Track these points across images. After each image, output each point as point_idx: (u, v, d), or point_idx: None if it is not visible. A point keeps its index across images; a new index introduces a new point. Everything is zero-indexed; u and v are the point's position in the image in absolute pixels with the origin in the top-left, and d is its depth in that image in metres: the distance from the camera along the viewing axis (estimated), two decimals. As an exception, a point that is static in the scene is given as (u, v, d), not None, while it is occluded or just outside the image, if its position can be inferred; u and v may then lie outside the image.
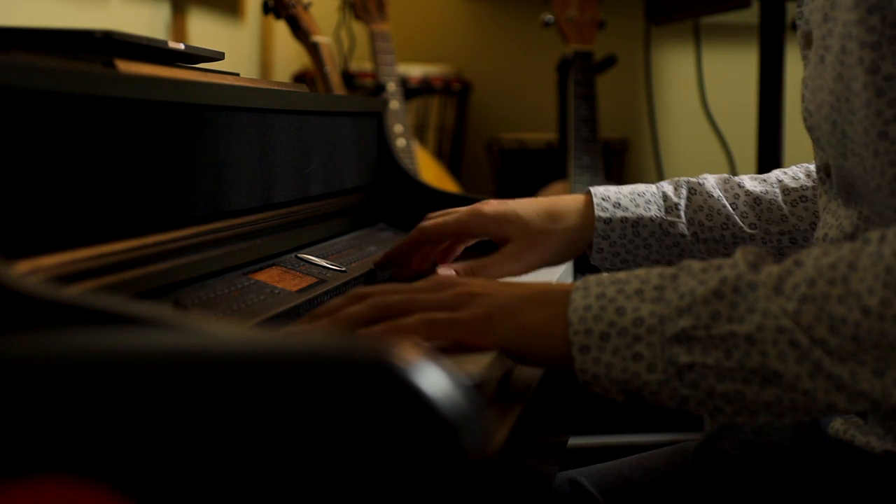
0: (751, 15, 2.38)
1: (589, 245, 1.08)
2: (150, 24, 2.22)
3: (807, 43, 0.89)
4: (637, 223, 1.07)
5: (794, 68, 2.35)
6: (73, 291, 0.60)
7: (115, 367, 0.48)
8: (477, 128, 3.30)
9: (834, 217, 0.88)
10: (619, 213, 1.06)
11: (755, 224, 1.07)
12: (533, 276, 1.14)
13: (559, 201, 1.08)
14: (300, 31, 2.24)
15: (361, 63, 2.93)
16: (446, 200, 1.36)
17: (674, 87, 3.35)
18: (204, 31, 2.49)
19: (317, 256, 1.05)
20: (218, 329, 0.60)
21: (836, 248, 0.70)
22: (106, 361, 0.49)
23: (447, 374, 0.48)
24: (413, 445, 0.46)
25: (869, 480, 0.88)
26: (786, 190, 1.08)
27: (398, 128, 2.52)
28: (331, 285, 0.97)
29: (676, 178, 1.11)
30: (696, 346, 0.69)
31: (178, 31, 2.32)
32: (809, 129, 0.89)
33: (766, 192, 1.08)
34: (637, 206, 1.07)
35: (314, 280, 0.97)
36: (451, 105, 3.10)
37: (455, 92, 3.08)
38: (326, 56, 2.22)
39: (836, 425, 0.91)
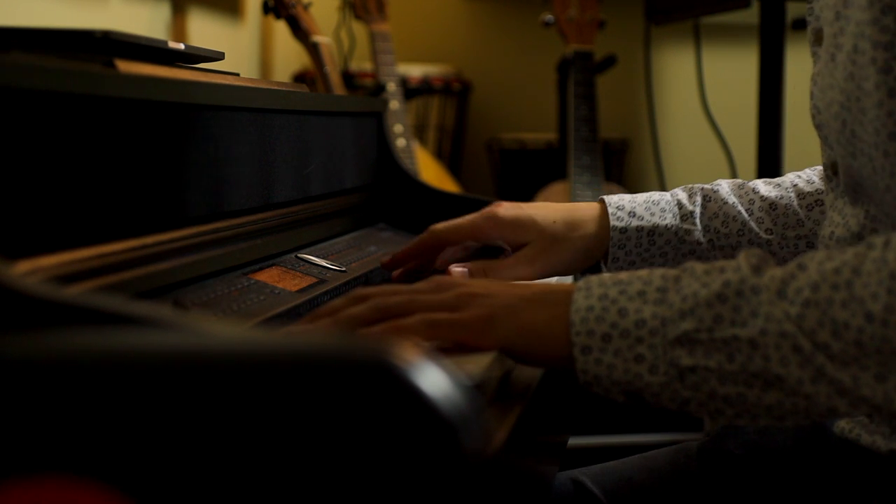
0: (751, 15, 2.38)
1: (603, 254, 1.07)
2: (150, 24, 2.22)
3: (817, 39, 0.89)
4: (653, 232, 1.06)
5: (794, 68, 2.36)
6: (73, 291, 0.60)
7: (115, 367, 0.48)
8: (477, 128, 3.30)
9: (840, 215, 0.88)
10: (635, 223, 1.06)
11: (771, 229, 1.06)
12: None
13: (575, 209, 1.07)
14: (300, 31, 2.24)
15: (361, 63, 2.93)
16: (446, 200, 1.36)
17: (674, 87, 3.35)
18: (204, 31, 2.49)
19: (317, 256, 1.05)
20: (218, 329, 0.60)
21: (840, 252, 0.70)
22: (106, 361, 0.49)
23: (447, 374, 0.48)
24: (413, 445, 0.46)
25: (874, 480, 0.88)
26: (801, 194, 1.08)
27: (398, 128, 2.52)
28: (331, 285, 0.97)
29: (690, 186, 1.09)
30: (699, 348, 0.69)
31: (178, 31, 2.32)
32: (817, 127, 0.89)
33: (782, 196, 1.07)
34: (652, 214, 1.06)
35: (314, 280, 0.97)
36: (451, 105, 3.10)
37: (455, 92, 3.08)
38: (326, 56, 2.22)
39: (842, 424, 0.91)
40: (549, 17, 2.73)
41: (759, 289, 0.69)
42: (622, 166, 3.09)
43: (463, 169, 3.22)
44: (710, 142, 3.09)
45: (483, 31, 3.38)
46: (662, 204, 1.07)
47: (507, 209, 1.06)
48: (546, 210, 1.06)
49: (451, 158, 3.12)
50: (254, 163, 0.99)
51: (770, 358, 0.67)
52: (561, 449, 0.96)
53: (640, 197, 1.08)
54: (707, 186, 1.08)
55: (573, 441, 2.11)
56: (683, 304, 0.70)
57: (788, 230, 1.06)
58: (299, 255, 1.04)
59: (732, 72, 3.20)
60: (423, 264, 1.10)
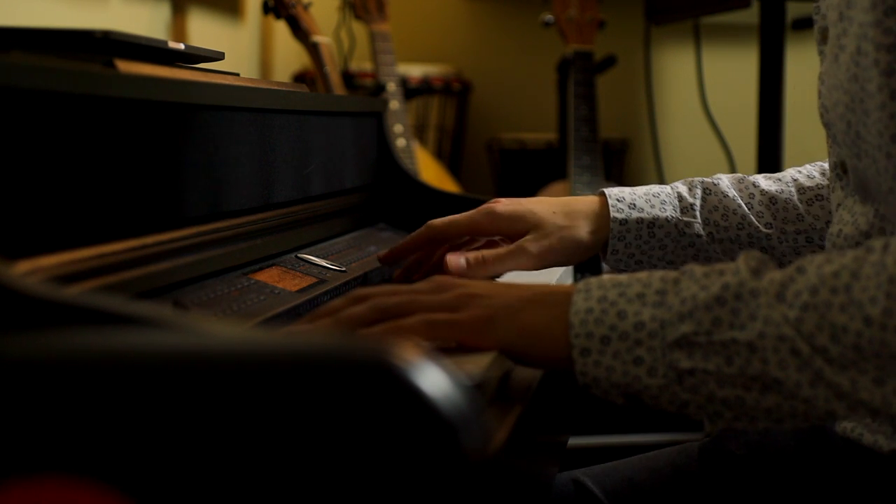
0: (751, 15, 2.38)
1: (603, 246, 1.07)
2: (150, 24, 2.22)
3: (823, 38, 0.89)
4: (653, 224, 1.05)
5: (795, 68, 2.36)
6: (73, 291, 0.60)
7: (115, 367, 0.48)
8: (477, 128, 3.30)
9: (850, 213, 0.88)
10: (635, 214, 1.05)
11: (771, 224, 1.06)
12: (535, 275, 1.13)
13: (574, 202, 1.07)
14: (300, 31, 2.24)
15: (361, 63, 2.93)
16: (446, 200, 1.36)
17: (674, 87, 3.35)
18: (204, 31, 2.49)
19: (317, 256, 1.05)
20: (218, 329, 0.60)
21: (839, 255, 0.70)
22: (106, 361, 0.49)
23: (447, 374, 0.48)
24: (413, 445, 0.46)
25: (876, 480, 0.88)
26: (801, 189, 1.07)
27: (398, 128, 2.52)
28: (331, 285, 0.97)
29: (690, 179, 1.09)
30: (697, 351, 0.69)
31: (178, 31, 2.32)
32: (826, 126, 0.89)
33: (782, 191, 1.07)
34: (652, 206, 1.06)
35: (314, 280, 0.97)
36: (451, 105, 3.10)
37: (455, 92, 3.08)
38: (326, 56, 2.22)
39: (844, 424, 0.91)
40: (548, 17, 2.73)
41: (758, 292, 0.69)
42: (622, 166, 3.09)
43: (463, 169, 3.22)
44: (710, 142, 3.09)
45: (483, 31, 3.38)
46: (663, 196, 1.07)
47: (505, 205, 1.05)
48: (545, 203, 1.06)
49: (451, 158, 3.12)
50: (254, 163, 0.99)
51: (768, 361, 0.67)
52: (561, 449, 0.96)
53: (641, 189, 1.08)
54: (707, 180, 1.08)
55: (573, 441, 2.11)
56: (682, 306, 0.70)
57: (788, 225, 1.06)
58: (299, 255, 1.04)
59: (732, 72, 3.20)
60: (422, 260, 1.09)
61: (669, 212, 1.06)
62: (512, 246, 1.04)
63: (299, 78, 2.91)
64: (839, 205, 0.90)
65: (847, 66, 0.80)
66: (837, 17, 0.83)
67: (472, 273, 1.01)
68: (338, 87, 2.21)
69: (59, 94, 0.67)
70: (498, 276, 1.13)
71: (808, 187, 1.07)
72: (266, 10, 2.24)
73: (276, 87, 1.12)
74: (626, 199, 1.06)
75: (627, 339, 0.70)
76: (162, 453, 0.47)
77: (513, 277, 1.12)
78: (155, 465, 0.47)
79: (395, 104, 2.53)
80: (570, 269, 1.32)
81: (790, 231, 1.06)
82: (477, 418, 0.47)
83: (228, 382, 0.47)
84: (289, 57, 3.05)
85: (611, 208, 1.05)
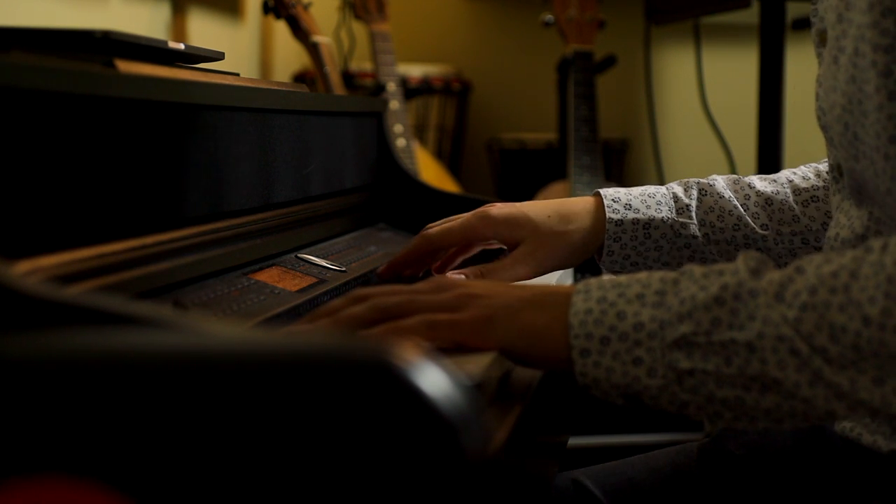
0: (751, 15, 2.38)
1: (599, 248, 1.07)
2: (150, 24, 2.22)
3: (821, 41, 0.89)
4: (648, 225, 1.05)
5: (795, 68, 2.36)
6: (73, 291, 0.60)
7: (115, 367, 0.48)
8: (477, 128, 3.30)
9: (846, 217, 0.88)
10: (631, 215, 1.05)
11: (767, 225, 1.06)
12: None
13: (569, 203, 1.06)
14: (300, 31, 2.24)
15: (361, 63, 2.93)
16: (446, 200, 1.36)
17: (674, 87, 3.35)
18: (204, 31, 2.49)
19: (317, 256, 1.05)
20: (218, 329, 0.60)
21: (838, 255, 0.70)
22: (106, 361, 0.49)
23: (447, 374, 0.48)
24: (413, 445, 0.46)
25: (875, 480, 0.88)
26: (796, 190, 1.07)
27: (398, 128, 2.52)
28: (331, 285, 0.97)
29: (686, 180, 1.09)
30: (697, 351, 0.69)
31: (178, 31, 2.32)
32: (823, 128, 0.88)
33: (777, 192, 1.07)
34: (648, 207, 1.05)
35: (314, 280, 0.97)
36: (451, 105, 3.10)
37: (455, 92, 3.08)
38: (326, 56, 2.22)
39: (843, 423, 0.91)
40: (549, 17, 2.73)
41: (757, 292, 0.69)
42: (622, 166, 3.09)
43: (463, 169, 3.22)
44: (710, 142, 3.09)
45: (483, 31, 3.38)
46: (658, 197, 1.06)
47: (499, 208, 1.05)
48: (539, 206, 1.05)
49: (451, 158, 3.12)
50: (254, 163, 0.99)
51: (767, 361, 0.67)
52: (561, 449, 0.96)
53: (636, 190, 1.07)
54: (703, 181, 1.08)
55: (573, 441, 2.11)
56: (681, 307, 0.70)
57: (784, 226, 1.06)
58: (299, 255, 1.04)
59: (732, 72, 3.20)
60: (420, 268, 1.09)
61: (665, 212, 1.05)
62: (508, 259, 1.03)
63: (299, 78, 2.91)
64: (836, 208, 0.90)
65: (845, 67, 0.80)
66: (836, 18, 0.83)
67: None
68: (338, 87, 2.21)
69: (59, 94, 0.67)
70: None
71: (804, 188, 1.07)
72: (266, 10, 2.24)
73: (276, 87, 1.12)
74: (622, 199, 1.06)
75: (627, 339, 0.70)
76: (162, 453, 0.47)
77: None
78: (155, 466, 0.47)
79: (395, 104, 2.53)
80: (569, 269, 1.32)
81: (786, 232, 1.06)
82: (477, 418, 0.47)
83: (228, 383, 0.47)
84: (289, 57, 3.05)
85: (606, 209, 1.05)
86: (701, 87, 3.06)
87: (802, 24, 2.55)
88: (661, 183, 3.19)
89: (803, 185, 1.07)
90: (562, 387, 0.85)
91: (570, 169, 2.57)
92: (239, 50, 2.79)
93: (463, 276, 1.01)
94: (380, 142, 1.39)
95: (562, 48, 2.76)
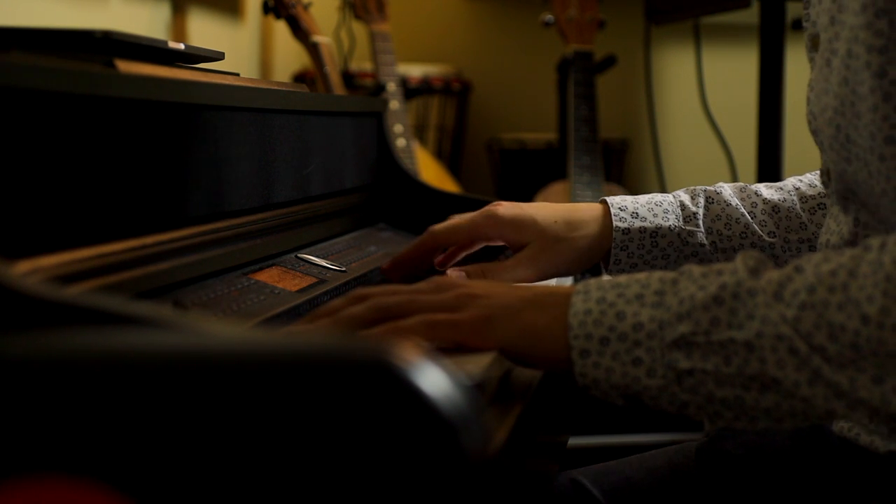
0: (751, 15, 2.38)
1: (604, 256, 1.06)
2: (150, 24, 2.22)
3: (813, 45, 0.89)
4: (655, 233, 1.05)
5: (795, 68, 2.36)
6: (73, 291, 0.60)
7: (114, 367, 0.48)
8: (477, 128, 3.30)
9: (836, 222, 0.88)
10: (638, 224, 1.04)
11: (774, 232, 1.06)
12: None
13: (576, 210, 1.06)
14: (300, 31, 2.24)
15: (361, 63, 2.93)
16: (446, 200, 1.36)
17: (674, 87, 3.35)
18: (204, 31, 2.49)
19: (317, 256, 1.05)
20: (218, 329, 0.60)
21: (837, 254, 0.70)
22: (106, 361, 0.49)
23: (447, 374, 0.48)
24: (413, 445, 0.46)
25: (872, 480, 0.88)
26: (803, 197, 1.07)
27: (398, 128, 2.52)
28: (331, 285, 0.97)
29: (693, 187, 1.08)
30: (696, 351, 0.69)
31: (178, 31, 2.32)
32: (813, 132, 0.88)
33: (784, 199, 1.07)
34: (655, 215, 1.05)
35: (314, 280, 0.97)
36: (451, 105, 3.10)
37: (455, 92, 3.08)
38: (326, 56, 2.22)
39: (841, 424, 0.91)
40: (549, 17, 2.73)
41: (756, 291, 0.69)
42: (622, 166, 3.09)
43: (463, 169, 3.22)
44: (710, 142, 3.09)
45: (483, 31, 3.38)
46: (665, 205, 1.06)
47: (506, 208, 1.05)
48: (546, 210, 1.05)
49: (451, 158, 3.12)
50: (254, 163, 0.99)
51: (766, 361, 0.67)
52: (561, 449, 0.96)
53: (643, 198, 1.07)
54: (710, 188, 1.08)
55: (573, 441, 2.11)
56: (680, 307, 0.70)
57: (791, 233, 1.06)
58: (299, 255, 1.04)
59: (732, 72, 3.20)
60: (425, 265, 1.09)
61: (672, 221, 1.05)
62: (512, 260, 1.03)
63: (299, 78, 2.91)
64: (828, 213, 0.90)
65: (838, 69, 0.80)
66: (829, 21, 0.83)
67: None
68: (338, 87, 2.21)
69: (59, 94, 0.68)
70: None
71: (810, 196, 1.07)
72: (266, 10, 2.24)
73: (276, 87, 1.12)
74: (629, 207, 1.05)
75: (626, 340, 0.71)
76: (162, 453, 0.47)
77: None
78: (155, 465, 0.47)
79: (395, 104, 2.53)
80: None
81: (793, 240, 1.06)
82: (477, 418, 0.47)
83: (228, 383, 0.47)
84: (289, 57, 3.05)
85: (613, 217, 1.04)
86: (701, 88, 3.06)
87: (802, 25, 2.55)
88: (662, 183, 3.21)
89: (809, 192, 1.07)
90: (562, 387, 0.86)
91: (570, 169, 2.57)
92: (239, 50, 2.79)
93: (463, 274, 1.01)
94: (380, 142, 1.39)
95: (562, 48, 2.76)
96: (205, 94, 0.88)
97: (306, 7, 2.25)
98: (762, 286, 0.69)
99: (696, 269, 0.72)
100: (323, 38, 2.24)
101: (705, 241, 1.05)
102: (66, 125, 0.68)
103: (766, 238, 1.05)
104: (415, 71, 2.97)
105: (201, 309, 0.78)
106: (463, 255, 1.09)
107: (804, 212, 1.06)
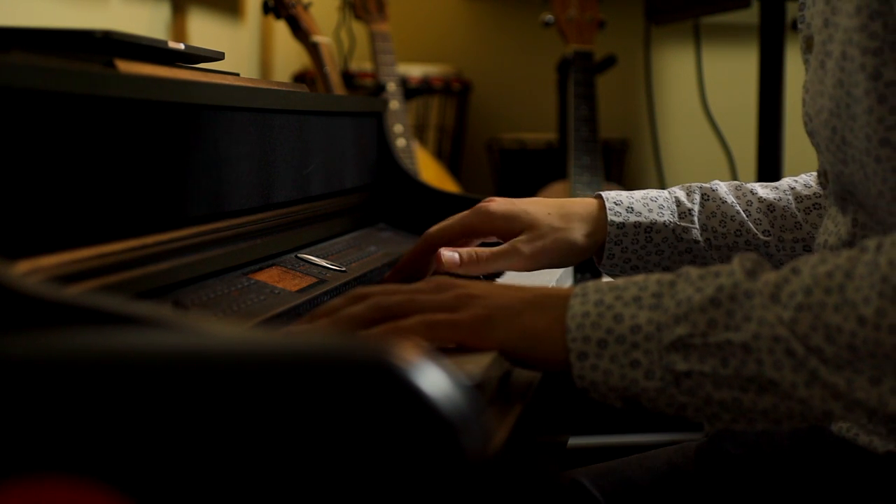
0: (751, 15, 2.38)
1: (598, 251, 1.06)
2: (150, 24, 2.22)
3: (808, 47, 0.89)
4: (650, 228, 1.04)
5: (795, 68, 2.35)
6: (74, 291, 0.60)
7: (115, 367, 0.48)
8: (477, 128, 3.30)
9: (833, 223, 0.88)
10: (633, 218, 1.04)
11: (769, 231, 1.05)
12: (534, 276, 1.13)
13: (570, 203, 1.06)
14: (300, 31, 2.24)
15: (361, 63, 2.93)
16: (446, 200, 1.36)
17: (674, 87, 3.35)
18: (204, 31, 2.49)
19: (317, 256, 1.05)
20: (218, 329, 0.60)
21: (834, 256, 0.70)
22: (106, 361, 0.49)
23: (447, 374, 0.48)
24: (413, 445, 0.46)
25: (871, 480, 0.88)
26: (798, 197, 1.07)
27: (398, 128, 2.52)
28: (331, 285, 0.97)
29: (688, 184, 1.08)
30: (693, 353, 0.69)
31: (178, 31, 2.32)
32: (809, 134, 0.89)
33: (780, 198, 1.07)
34: (650, 211, 1.05)
35: (314, 280, 0.97)
36: (451, 105, 3.10)
37: (455, 92, 3.08)
38: (326, 56, 2.22)
39: (839, 424, 0.91)
40: (549, 17, 2.73)
41: (753, 293, 0.69)
42: (622, 166, 3.09)
43: (463, 169, 3.22)
44: (710, 142, 3.09)
45: (483, 31, 3.38)
46: (660, 201, 1.06)
47: (499, 204, 1.05)
48: (539, 204, 1.05)
49: (451, 158, 3.12)
50: (254, 163, 0.99)
51: (763, 362, 0.67)
52: (561, 449, 0.96)
53: (638, 193, 1.07)
54: (705, 185, 1.08)
55: (573, 441, 2.11)
56: (678, 309, 0.70)
57: (786, 233, 1.06)
58: (299, 255, 1.04)
59: (732, 72, 3.20)
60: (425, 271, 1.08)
61: (667, 216, 1.05)
62: (505, 245, 1.03)
63: (299, 78, 2.91)
64: (825, 214, 0.90)
65: (833, 71, 0.80)
66: (823, 23, 0.83)
67: (464, 269, 1.01)
68: (338, 87, 2.21)
69: (59, 94, 0.68)
70: (498, 277, 1.12)
71: (806, 196, 1.07)
72: (266, 10, 2.24)
73: (276, 87, 1.12)
74: (624, 202, 1.05)
75: (624, 342, 0.70)
76: (162, 453, 0.47)
77: (513, 278, 1.12)
78: (155, 465, 0.47)
79: (395, 104, 2.53)
80: (569, 269, 1.32)
81: (788, 239, 1.05)
82: (477, 418, 0.47)
83: (228, 382, 0.47)
84: (289, 57, 3.05)
85: (608, 211, 1.04)
86: (701, 88, 3.06)
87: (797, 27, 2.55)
88: (662, 183, 3.21)
89: (805, 192, 1.07)
90: (562, 387, 0.86)
91: (570, 169, 2.57)
92: (239, 50, 2.79)
93: (456, 256, 1.00)
94: (380, 142, 1.39)
95: (562, 48, 2.76)
96: (205, 94, 0.88)
97: (306, 7, 2.25)
98: (759, 288, 0.69)
99: (693, 271, 0.72)
100: (323, 38, 2.24)
101: (700, 238, 1.05)
102: (66, 125, 0.68)
103: (761, 236, 1.05)
104: (415, 71, 2.97)
105: (201, 309, 0.78)
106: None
107: (799, 211, 1.06)
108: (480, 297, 0.76)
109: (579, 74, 2.64)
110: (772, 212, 1.06)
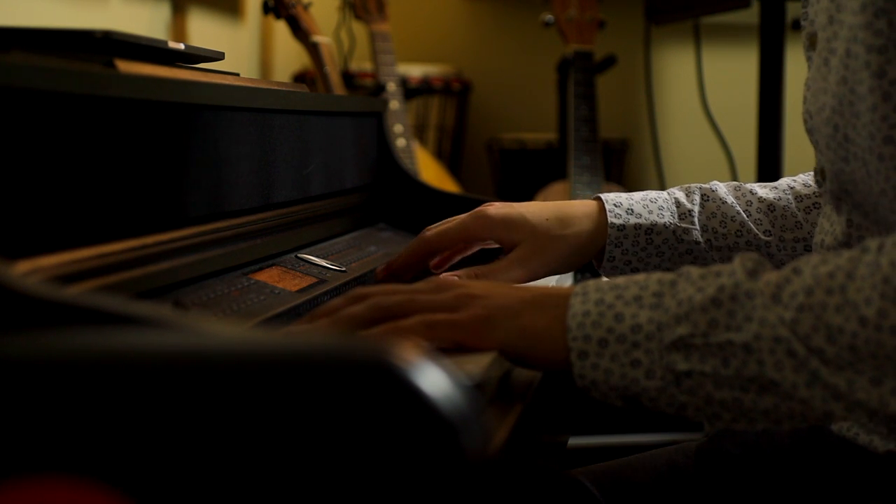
0: (751, 15, 2.38)
1: (598, 253, 1.06)
2: (150, 24, 2.22)
3: (811, 44, 0.89)
4: (651, 230, 1.04)
5: (795, 68, 2.36)
6: (73, 291, 0.60)
7: (114, 367, 0.48)
8: (477, 128, 3.30)
9: (829, 222, 0.88)
10: (633, 220, 1.03)
11: (770, 231, 1.05)
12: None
13: (568, 207, 1.05)
14: (300, 31, 2.24)
15: (361, 63, 2.93)
16: (446, 200, 1.36)
17: (674, 87, 3.35)
18: (204, 31, 2.49)
19: (317, 256, 1.05)
20: (218, 329, 0.60)
21: (835, 256, 0.70)
22: (106, 361, 0.49)
23: (447, 374, 0.48)
24: (413, 445, 0.46)
25: (871, 480, 0.88)
26: (798, 197, 1.07)
27: (398, 128, 2.52)
28: (331, 285, 0.97)
29: (688, 185, 1.08)
30: (694, 353, 0.69)
31: (178, 31, 2.32)
32: (809, 132, 0.88)
33: (779, 198, 1.06)
34: (650, 212, 1.04)
35: (314, 280, 0.97)
36: (451, 105, 3.10)
37: (455, 92, 3.08)
38: (326, 56, 2.22)
39: (840, 423, 0.91)
40: (549, 17, 2.73)
41: (754, 293, 0.69)
42: (622, 166, 3.09)
43: (463, 169, 3.22)
44: (710, 142, 3.09)
45: (483, 31, 3.38)
46: (660, 202, 1.05)
47: (497, 208, 1.04)
48: (538, 208, 1.04)
49: (451, 158, 3.12)
50: (254, 163, 0.99)
51: (764, 363, 0.67)
52: (561, 449, 0.96)
53: (638, 195, 1.06)
54: (704, 186, 1.07)
55: (573, 441, 2.11)
56: (679, 308, 0.70)
57: (786, 232, 1.05)
58: (299, 255, 1.04)
59: (732, 72, 3.20)
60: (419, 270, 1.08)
61: (668, 218, 1.04)
62: (503, 260, 1.02)
63: (299, 78, 2.91)
64: (822, 213, 0.90)
65: (837, 68, 0.80)
66: (827, 20, 0.83)
67: None
68: (338, 87, 2.21)
69: (59, 94, 0.68)
70: None
71: (805, 195, 1.07)
72: (266, 10, 2.24)
73: (276, 87, 1.12)
74: (623, 204, 1.04)
75: (625, 341, 0.70)
76: (162, 453, 0.47)
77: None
78: (155, 466, 0.47)
79: (395, 104, 2.53)
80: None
81: (788, 239, 1.05)
82: (477, 418, 0.47)
83: (228, 383, 0.47)
84: (289, 57, 3.05)
85: (608, 213, 1.04)
86: (701, 87, 3.06)
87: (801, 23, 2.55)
88: (662, 183, 3.20)
89: (805, 191, 1.07)
90: (562, 387, 0.86)
91: (570, 169, 2.57)
92: (239, 50, 2.79)
93: (457, 279, 1.00)
94: (380, 142, 1.39)
95: (562, 48, 2.76)
96: (205, 94, 0.88)
97: (306, 7, 2.25)
98: (760, 288, 0.69)
99: (694, 271, 0.72)
100: (323, 38, 2.24)
101: (700, 239, 1.05)
102: (66, 125, 0.68)
103: (762, 236, 1.05)
104: (415, 71, 2.97)
105: (201, 309, 0.78)
106: (458, 257, 1.08)
107: (799, 211, 1.06)
108: (480, 297, 0.76)
109: (579, 74, 2.64)
110: (772, 212, 1.06)
